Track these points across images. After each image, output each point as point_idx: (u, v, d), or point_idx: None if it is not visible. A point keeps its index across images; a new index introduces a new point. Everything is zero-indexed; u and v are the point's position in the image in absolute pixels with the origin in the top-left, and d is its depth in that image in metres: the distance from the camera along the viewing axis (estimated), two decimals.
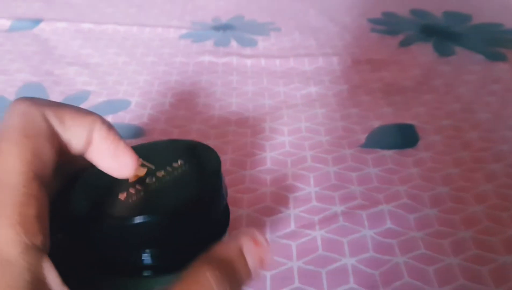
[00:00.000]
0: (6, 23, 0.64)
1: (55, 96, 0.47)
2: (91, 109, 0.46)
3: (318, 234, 0.31)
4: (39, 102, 0.21)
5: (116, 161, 0.23)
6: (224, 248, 0.22)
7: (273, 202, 0.34)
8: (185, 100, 0.47)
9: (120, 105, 0.46)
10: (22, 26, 0.63)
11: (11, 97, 0.47)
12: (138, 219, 0.22)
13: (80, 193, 0.24)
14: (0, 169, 0.19)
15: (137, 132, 0.42)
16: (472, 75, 0.50)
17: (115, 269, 0.24)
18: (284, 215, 0.33)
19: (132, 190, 0.24)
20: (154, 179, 0.25)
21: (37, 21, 0.64)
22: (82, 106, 0.45)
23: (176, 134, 0.41)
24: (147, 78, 0.51)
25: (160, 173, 0.25)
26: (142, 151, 0.27)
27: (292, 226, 0.32)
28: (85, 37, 0.60)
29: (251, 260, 0.22)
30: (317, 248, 0.30)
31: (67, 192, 0.24)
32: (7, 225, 0.18)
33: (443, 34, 0.59)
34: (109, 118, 0.44)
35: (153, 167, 0.26)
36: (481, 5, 0.69)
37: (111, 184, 0.25)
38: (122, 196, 0.24)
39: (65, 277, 0.20)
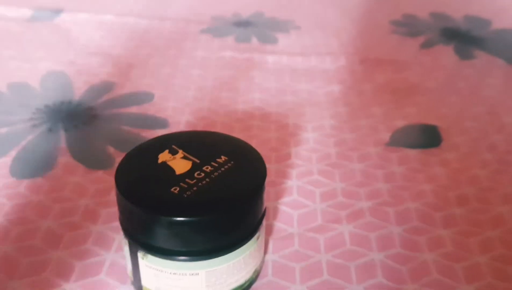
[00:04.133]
0: (27, 12, 0.64)
1: (79, 85, 0.48)
2: (116, 100, 0.47)
3: (345, 228, 0.31)
4: None
5: None
6: None
7: (300, 196, 0.34)
8: (208, 94, 0.47)
9: (144, 97, 0.46)
10: (43, 16, 0.63)
11: (35, 84, 0.48)
12: (203, 217, 0.23)
13: (129, 182, 0.24)
14: None
15: (162, 123, 0.42)
16: (494, 79, 0.50)
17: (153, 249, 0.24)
18: (311, 209, 0.33)
19: (183, 184, 0.24)
20: (202, 174, 0.25)
21: (58, 12, 0.64)
22: (106, 97, 0.46)
23: (201, 127, 0.42)
24: (169, 71, 0.51)
25: (207, 168, 0.25)
26: (181, 142, 0.28)
27: (319, 220, 0.32)
28: (107, 29, 0.60)
29: None
30: (344, 243, 0.30)
31: (118, 181, 0.24)
32: None
33: (463, 38, 0.59)
34: (134, 110, 0.44)
35: (198, 161, 0.26)
36: (501, 10, 0.69)
37: (157, 174, 0.25)
38: (175, 189, 0.24)
39: None
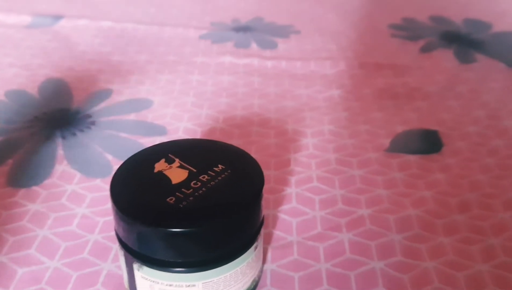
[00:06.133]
0: (26, 19, 0.64)
1: (78, 92, 0.47)
2: (114, 107, 0.47)
3: (345, 236, 0.31)
4: None
5: None
6: None
7: (299, 203, 0.34)
8: (207, 100, 0.46)
9: (143, 104, 0.46)
10: (42, 23, 0.63)
11: (34, 92, 0.47)
12: (198, 228, 0.22)
13: (124, 192, 0.24)
14: None
15: (160, 130, 0.42)
16: (495, 83, 0.50)
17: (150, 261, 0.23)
18: (310, 216, 0.33)
19: (179, 194, 0.24)
20: (199, 184, 0.25)
21: (58, 18, 0.64)
22: (104, 104, 0.46)
23: (199, 133, 0.41)
24: (168, 77, 0.51)
25: (204, 177, 0.25)
26: (177, 150, 0.27)
27: (319, 228, 0.32)
28: (106, 35, 0.60)
29: None
30: (344, 251, 0.30)
31: (114, 189, 0.24)
32: None
33: (463, 41, 0.59)
34: (132, 117, 0.44)
35: (194, 170, 0.26)
36: (502, 13, 0.68)
37: (153, 184, 0.25)
38: (171, 199, 0.23)
39: None
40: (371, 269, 0.29)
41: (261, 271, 0.28)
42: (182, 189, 0.24)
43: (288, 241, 0.31)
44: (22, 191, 0.35)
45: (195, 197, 0.24)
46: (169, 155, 0.27)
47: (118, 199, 0.24)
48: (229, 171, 0.26)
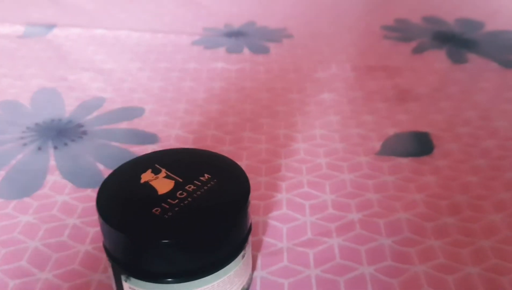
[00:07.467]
0: (20, 28, 0.64)
1: (70, 101, 0.48)
2: (106, 116, 0.47)
3: (335, 242, 0.31)
4: None
5: None
6: None
7: (289, 209, 0.34)
8: (199, 106, 0.47)
9: (135, 112, 0.46)
10: (36, 32, 0.63)
11: (26, 102, 0.48)
12: (181, 239, 0.22)
13: (110, 204, 0.24)
14: None
15: (152, 138, 0.42)
16: (487, 83, 0.50)
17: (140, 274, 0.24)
18: (301, 222, 0.33)
19: (165, 205, 0.24)
20: (185, 194, 0.25)
21: (51, 27, 0.64)
22: (97, 112, 0.46)
23: (191, 140, 0.41)
24: (161, 85, 0.51)
25: (190, 187, 0.25)
26: (164, 160, 0.27)
27: (309, 234, 0.32)
28: (99, 43, 0.60)
29: None
30: (334, 256, 0.30)
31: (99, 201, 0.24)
32: None
33: (456, 41, 0.59)
34: (124, 125, 0.44)
35: (181, 180, 0.26)
36: (494, 12, 0.68)
37: (139, 195, 0.25)
38: (156, 211, 0.24)
39: None
40: (361, 274, 0.29)
41: (251, 278, 0.28)
42: (168, 200, 0.24)
43: (278, 247, 0.31)
44: (13, 203, 0.35)
45: (181, 207, 0.24)
46: (156, 165, 0.27)
47: (104, 211, 0.24)
48: (215, 180, 0.26)
